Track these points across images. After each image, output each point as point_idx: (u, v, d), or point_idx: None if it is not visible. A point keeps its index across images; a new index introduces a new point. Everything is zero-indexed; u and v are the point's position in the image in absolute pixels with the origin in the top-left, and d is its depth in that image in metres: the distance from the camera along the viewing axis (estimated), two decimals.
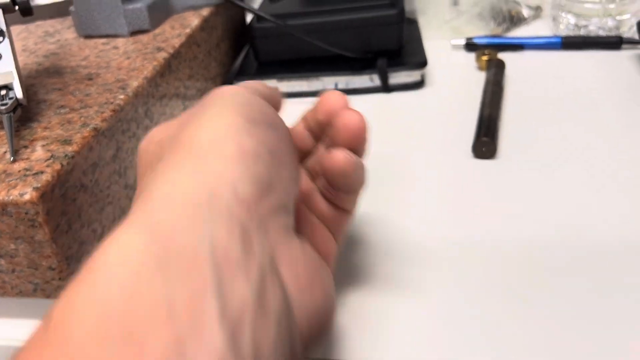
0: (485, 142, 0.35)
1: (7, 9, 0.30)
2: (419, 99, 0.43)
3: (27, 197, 0.23)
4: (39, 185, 0.24)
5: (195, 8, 0.43)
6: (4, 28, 0.29)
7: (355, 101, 0.44)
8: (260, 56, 0.46)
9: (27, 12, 0.31)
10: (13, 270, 0.25)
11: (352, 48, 0.44)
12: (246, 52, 0.50)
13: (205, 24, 0.42)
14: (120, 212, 0.30)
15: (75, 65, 0.35)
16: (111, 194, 0.29)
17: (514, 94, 0.42)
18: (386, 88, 0.44)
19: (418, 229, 0.30)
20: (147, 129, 0.33)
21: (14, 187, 0.24)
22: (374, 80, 0.44)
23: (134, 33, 0.39)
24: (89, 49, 0.37)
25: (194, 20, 0.41)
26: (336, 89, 0.45)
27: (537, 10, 0.54)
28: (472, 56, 0.49)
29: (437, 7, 0.55)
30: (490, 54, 0.46)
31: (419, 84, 0.44)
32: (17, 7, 0.30)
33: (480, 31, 0.52)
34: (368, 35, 0.44)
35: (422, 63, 0.44)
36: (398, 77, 0.44)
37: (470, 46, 0.50)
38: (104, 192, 0.28)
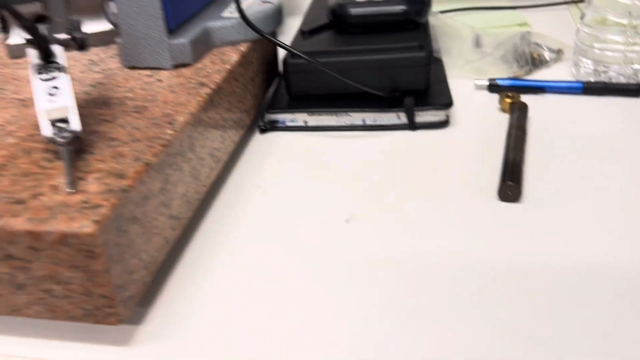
0: (511, 187, 0.36)
1: (67, 45, 0.32)
2: (444, 138, 0.45)
3: (87, 229, 0.25)
4: (98, 218, 0.25)
5: (233, 43, 0.44)
6: (65, 64, 0.31)
7: (382, 137, 0.46)
8: (292, 90, 0.48)
9: (84, 47, 0.33)
10: (66, 297, 0.27)
11: (380, 86, 0.46)
12: (277, 85, 0.52)
13: (243, 59, 0.43)
14: (164, 241, 0.31)
15: (122, 97, 0.37)
16: (158, 225, 0.31)
17: (536, 137, 0.44)
18: (412, 126, 0.46)
19: (444, 267, 0.32)
20: (190, 161, 0.34)
21: (74, 219, 0.25)
22: (401, 118, 0.46)
23: (176, 66, 0.41)
24: (134, 80, 0.39)
25: (233, 55, 0.43)
26: (364, 125, 0.47)
27: (559, 54, 0.56)
28: (494, 97, 0.51)
29: (461, 48, 0.57)
30: (513, 97, 0.47)
31: (444, 123, 0.46)
32: (76, 44, 0.32)
33: (502, 72, 0.53)
34: (397, 75, 0.45)
35: (448, 104, 0.45)
36: (424, 116, 0.46)
37: (493, 87, 0.51)
38: (152, 223, 0.30)
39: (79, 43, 0.32)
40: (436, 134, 0.46)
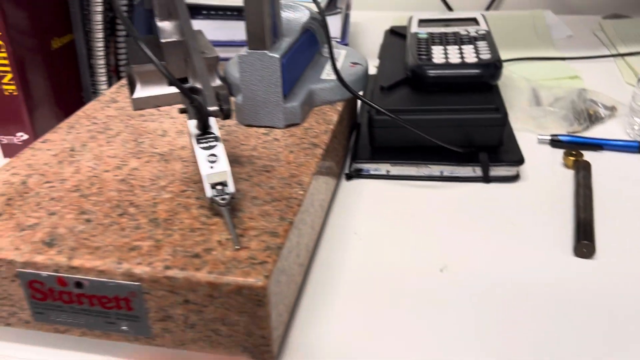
0: (586, 245, 0.41)
1: (216, 116, 0.38)
2: (515, 191, 0.50)
3: (260, 283, 0.30)
4: (267, 274, 0.31)
5: (330, 103, 0.50)
6: (218, 134, 0.37)
7: (457, 187, 0.51)
8: (376, 142, 0.53)
9: (229, 117, 0.38)
10: (230, 336, 0.32)
11: (456, 141, 0.51)
12: (356, 136, 0.57)
13: (340, 117, 0.49)
14: (296, 286, 0.37)
15: (249, 155, 0.42)
16: (294, 273, 0.36)
17: (601, 194, 0.49)
18: (487, 179, 0.51)
19: (533, 316, 0.37)
20: (311, 214, 0.40)
21: (248, 274, 0.31)
22: (476, 171, 0.51)
23: (287, 126, 0.46)
24: (253, 138, 0.45)
25: (333, 115, 0.48)
26: (442, 176, 0.52)
27: (612, 110, 0.61)
28: (556, 151, 0.56)
29: (520, 100, 0.62)
30: (576, 155, 0.53)
31: (515, 178, 0.51)
32: (222, 114, 0.38)
33: (561, 128, 0.59)
34: (473, 132, 0.51)
35: (520, 160, 0.51)
36: (497, 171, 0.51)
37: (555, 142, 0.57)
38: (291, 272, 0.35)
39: (225, 113, 0.38)
40: (507, 187, 0.51)
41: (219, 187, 0.35)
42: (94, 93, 0.64)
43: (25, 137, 0.58)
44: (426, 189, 0.51)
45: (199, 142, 0.36)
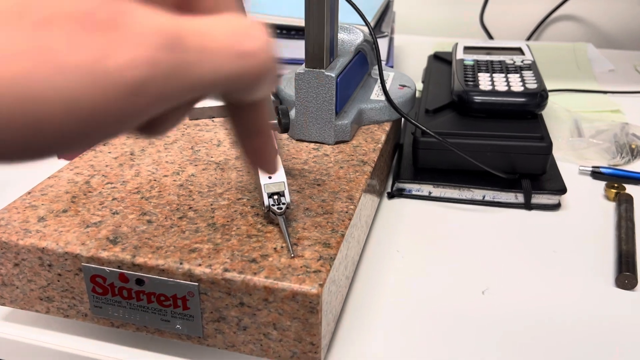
0: (628, 277, 0.42)
1: (275, 129, 0.39)
2: (556, 220, 0.51)
3: (314, 291, 0.31)
4: (321, 282, 0.32)
5: (378, 122, 0.52)
6: (277, 146, 0.38)
7: (498, 213, 0.51)
8: (419, 163, 0.54)
9: (287, 131, 0.40)
10: (280, 340, 0.33)
11: (500, 167, 0.52)
12: (398, 156, 0.59)
13: (387, 137, 0.50)
14: (342, 297, 0.38)
15: (300, 169, 0.44)
16: (341, 284, 0.37)
17: None
18: (528, 206, 0.52)
19: (573, 343, 0.37)
20: (358, 229, 0.41)
21: (303, 281, 0.32)
22: (518, 198, 0.52)
23: (337, 142, 0.48)
24: (304, 152, 0.46)
25: (381, 135, 0.50)
26: (483, 200, 0.53)
27: None
28: (597, 183, 0.56)
29: (561, 130, 0.63)
30: (619, 188, 0.53)
31: (556, 206, 0.52)
32: (280, 128, 0.40)
33: (603, 160, 0.59)
34: (517, 159, 0.52)
35: (562, 189, 0.51)
36: (539, 199, 0.52)
37: (596, 174, 0.57)
38: (339, 283, 0.37)
39: (284, 127, 0.40)
40: (548, 216, 0.51)
41: (275, 197, 0.37)
42: None
43: None
44: (467, 212, 0.52)
45: None
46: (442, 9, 1.08)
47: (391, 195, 0.54)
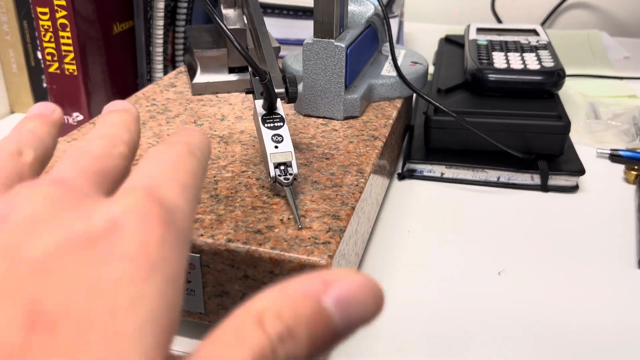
0: None
1: (282, 99, 0.37)
2: (573, 202, 0.49)
3: (323, 262, 0.29)
4: (330, 253, 0.30)
5: (389, 99, 0.50)
6: (284, 115, 0.36)
7: (513, 195, 0.49)
8: (431, 143, 0.52)
9: (294, 100, 0.38)
10: None
11: (516, 148, 0.50)
12: (409, 137, 0.57)
13: (398, 114, 0.48)
14: None
15: (308, 143, 0.42)
16: (351, 260, 0.35)
17: None
18: (545, 188, 0.50)
19: (590, 328, 0.35)
20: (368, 205, 0.39)
21: (311, 252, 0.30)
22: (534, 179, 0.50)
23: (346, 118, 0.46)
24: (312, 127, 0.44)
25: (392, 111, 0.48)
26: (498, 182, 0.51)
27: None
28: (616, 166, 0.54)
29: (577, 115, 0.61)
30: (639, 170, 0.51)
31: (574, 188, 0.50)
32: (287, 97, 0.38)
33: (621, 143, 0.57)
34: (534, 139, 0.50)
35: (580, 171, 0.49)
36: (556, 180, 0.50)
37: (614, 157, 0.55)
38: (349, 258, 0.35)
39: (290, 97, 0.38)
40: (566, 198, 0.49)
41: (282, 167, 0.35)
42: (149, 80, 0.65)
43: (81, 117, 0.58)
44: (481, 194, 0.50)
45: (264, 123, 0.36)
46: None
47: (402, 176, 0.52)
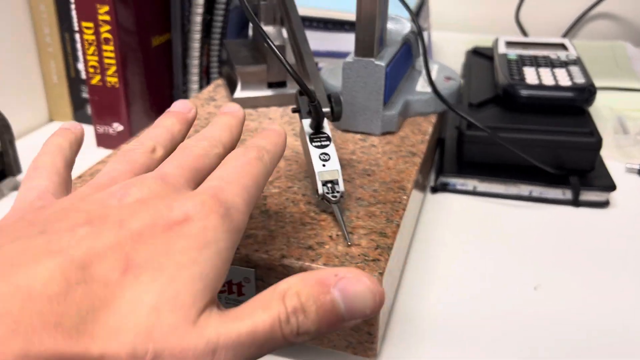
0: None
1: (327, 117, 0.39)
2: (605, 218, 0.50)
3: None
4: (381, 271, 0.31)
5: (424, 114, 0.51)
6: (330, 134, 0.38)
7: (545, 209, 0.50)
8: (465, 157, 0.53)
9: (338, 119, 0.39)
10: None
11: (547, 163, 0.51)
12: (440, 151, 0.58)
13: (434, 129, 0.50)
14: (394, 289, 0.37)
15: (349, 159, 0.43)
16: (395, 275, 0.36)
17: None
18: (576, 203, 0.51)
19: (629, 343, 0.36)
20: (410, 220, 0.40)
21: (362, 269, 0.31)
22: (566, 194, 0.51)
23: (383, 133, 0.47)
24: (350, 143, 0.46)
25: (428, 127, 0.49)
26: (530, 196, 0.52)
27: None
28: None
29: (604, 129, 0.62)
30: None
31: (605, 204, 0.51)
32: (332, 116, 0.39)
33: None
34: (565, 155, 0.51)
35: (611, 186, 0.50)
36: (588, 195, 0.51)
37: None
38: (393, 274, 0.36)
39: (336, 116, 0.39)
40: (597, 213, 0.50)
41: (329, 185, 0.36)
42: (184, 92, 0.66)
43: (121, 128, 0.60)
44: (513, 208, 0.51)
45: (312, 141, 0.37)
46: (476, 6, 1.07)
47: (434, 190, 0.53)
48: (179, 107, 0.31)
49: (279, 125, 0.49)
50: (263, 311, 0.21)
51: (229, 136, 0.29)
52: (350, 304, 0.21)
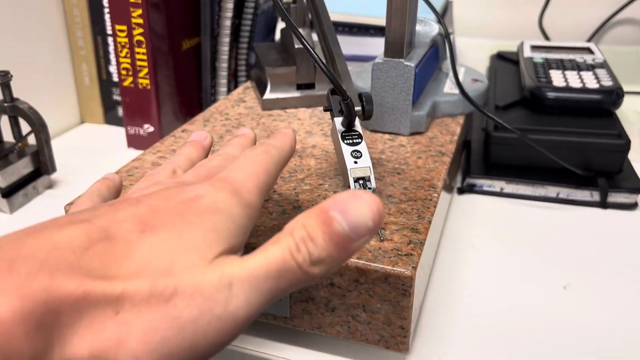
0: None
1: (358, 116, 0.39)
2: (633, 220, 0.49)
3: (408, 273, 0.31)
4: (414, 265, 0.32)
5: (451, 115, 0.51)
6: (361, 132, 0.38)
7: (572, 211, 0.50)
8: (492, 159, 0.54)
9: (369, 118, 0.40)
10: (369, 323, 0.33)
11: (575, 165, 0.51)
12: (466, 152, 0.58)
13: (462, 130, 0.50)
14: (424, 285, 0.38)
15: (378, 158, 0.44)
16: (426, 273, 0.37)
17: None
18: (604, 205, 0.51)
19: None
20: (440, 219, 0.41)
21: (395, 263, 0.32)
22: (594, 196, 0.51)
23: (412, 134, 0.48)
24: (379, 142, 0.46)
25: (456, 127, 0.49)
26: (557, 197, 0.52)
27: None
28: None
29: (635, 133, 0.62)
30: None
31: (633, 206, 0.51)
32: (363, 115, 0.40)
33: None
34: (594, 157, 0.51)
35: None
36: (616, 197, 0.50)
37: None
38: (425, 270, 0.36)
39: (367, 114, 0.40)
40: (625, 215, 0.50)
41: (360, 182, 0.37)
42: (213, 94, 0.67)
43: (151, 129, 0.62)
44: (540, 210, 0.51)
45: (344, 139, 0.38)
46: (499, 11, 1.07)
47: (461, 191, 0.54)
48: (196, 137, 0.36)
49: (308, 126, 0.50)
50: (273, 246, 0.23)
51: (240, 152, 0.32)
52: (351, 219, 0.22)
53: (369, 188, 0.36)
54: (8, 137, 0.53)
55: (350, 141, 0.38)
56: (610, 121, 0.53)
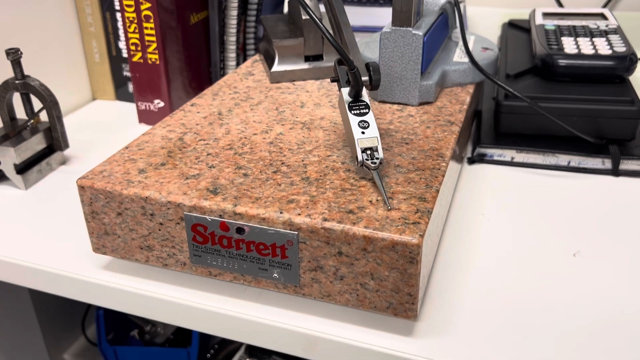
0: None
1: (365, 86, 0.39)
2: None
3: (415, 241, 0.32)
4: (422, 233, 0.32)
5: (461, 85, 0.51)
6: (369, 102, 0.38)
7: (583, 179, 0.50)
8: (501, 128, 0.53)
9: (377, 88, 0.40)
10: (377, 290, 0.34)
11: (587, 132, 0.50)
12: (477, 122, 0.58)
13: (471, 99, 0.50)
14: (433, 253, 0.38)
15: (386, 128, 0.44)
16: (434, 241, 0.37)
17: None
18: (616, 173, 0.50)
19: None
20: (449, 188, 0.41)
21: (403, 231, 0.32)
22: (605, 164, 0.50)
23: (420, 104, 0.47)
24: (387, 113, 0.46)
25: (465, 97, 0.49)
26: (568, 166, 0.51)
27: None
28: None
29: None
30: None
31: None
32: (371, 85, 0.39)
33: None
34: (605, 124, 0.50)
35: None
36: (628, 165, 0.50)
37: None
38: (433, 239, 0.37)
39: (374, 84, 0.39)
40: (637, 182, 0.50)
41: (368, 152, 0.37)
42: (222, 68, 0.67)
43: (162, 104, 0.62)
44: (551, 178, 0.51)
45: (351, 109, 0.38)
46: None
47: (472, 161, 0.54)
48: None
49: (316, 98, 0.49)
50: None
51: None
52: None
53: (377, 158, 0.36)
54: (21, 114, 0.54)
55: (358, 111, 0.38)
56: (623, 88, 0.52)
